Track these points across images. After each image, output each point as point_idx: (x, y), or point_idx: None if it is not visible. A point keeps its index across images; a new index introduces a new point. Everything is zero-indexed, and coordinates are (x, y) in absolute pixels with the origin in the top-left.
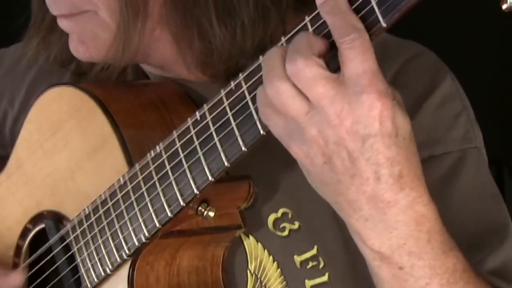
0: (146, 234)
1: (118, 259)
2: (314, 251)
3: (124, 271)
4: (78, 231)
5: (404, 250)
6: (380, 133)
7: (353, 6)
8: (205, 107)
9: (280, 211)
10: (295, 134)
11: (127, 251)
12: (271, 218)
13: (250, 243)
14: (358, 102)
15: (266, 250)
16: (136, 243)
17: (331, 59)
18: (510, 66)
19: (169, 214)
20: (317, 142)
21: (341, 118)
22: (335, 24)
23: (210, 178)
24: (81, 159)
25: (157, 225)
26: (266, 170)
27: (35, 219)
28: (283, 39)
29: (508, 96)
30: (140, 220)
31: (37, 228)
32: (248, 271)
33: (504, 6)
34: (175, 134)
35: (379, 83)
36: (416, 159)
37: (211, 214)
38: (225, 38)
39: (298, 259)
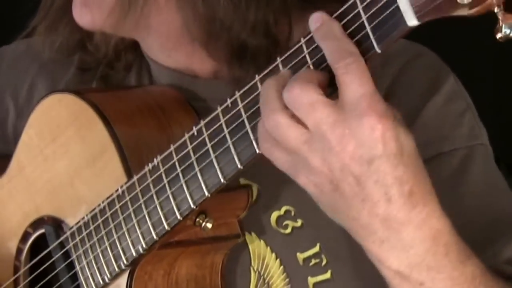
0: (144, 246)
1: (117, 269)
2: (316, 249)
3: (123, 280)
4: (78, 239)
5: (423, 267)
6: (385, 154)
7: (348, 31)
8: (202, 123)
9: (283, 209)
10: (300, 165)
11: (125, 261)
12: (274, 216)
13: (253, 241)
14: (359, 125)
15: (269, 248)
16: (134, 254)
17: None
18: (506, 65)
19: (166, 227)
20: (322, 171)
21: (343, 144)
22: (330, 50)
23: (206, 194)
24: (80, 167)
25: (155, 237)
26: (269, 168)
27: (36, 224)
28: (279, 60)
29: (503, 95)
30: (138, 232)
31: (38, 233)
32: (252, 269)
33: (499, 36)
34: (172, 147)
35: (377, 104)
36: (424, 174)
37: (209, 225)
38: (228, 4)
39: (301, 256)
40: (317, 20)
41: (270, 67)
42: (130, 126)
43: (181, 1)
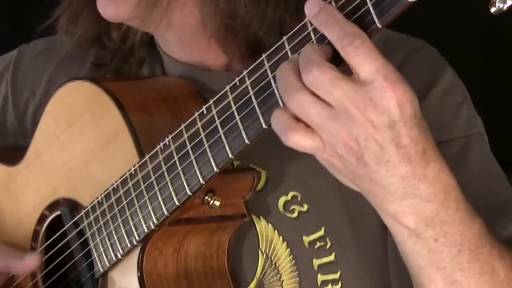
0: (155, 222)
1: (129, 245)
2: (321, 232)
3: (134, 256)
4: (92, 218)
5: (437, 220)
6: (403, 117)
7: (349, 8)
8: (211, 101)
9: (290, 194)
10: (326, 142)
11: (137, 237)
12: (282, 201)
13: (261, 224)
14: (378, 96)
15: (276, 231)
16: (146, 230)
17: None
18: (497, 63)
19: (177, 203)
20: (347, 143)
21: (366, 114)
22: (335, 36)
23: (215, 169)
24: (95, 150)
25: (165, 213)
26: (277, 155)
27: (52, 206)
28: (285, 37)
29: (494, 93)
30: (149, 208)
31: (54, 215)
32: (260, 251)
33: (493, 10)
34: (182, 126)
35: (392, 74)
36: (430, 134)
37: (217, 203)
38: (249, 2)
39: (306, 239)
40: (313, 6)
41: (276, 45)
42: (143, 111)
43: None
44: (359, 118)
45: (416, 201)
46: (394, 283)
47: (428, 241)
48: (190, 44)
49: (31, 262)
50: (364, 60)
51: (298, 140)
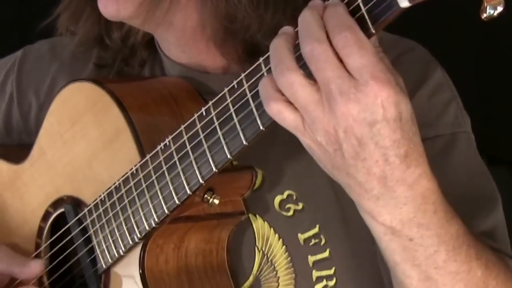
0: (156, 220)
1: (130, 242)
2: (316, 230)
3: (136, 253)
4: (94, 215)
5: (413, 223)
6: (385, 118)
7: None
8: (210, 103)
9: (286, 193)
10: (306, 125)
11: (138, 235)
12: (277, 199)
13: (258, 222)
14: (363, 92)
15: (272, 229)
16: (147, 228)
17: None
18: (488, 62)
19: (177, 202)
20: (328, 130)
21: (349, 107)
22: (331, 24)
23: (214, 169)
24: (98, 149)
25: (166, 211)
26: (273, 155)
27: (56, 204)
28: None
29: (486, 89)
30: (150, 206)
31: (58, 212)
32: (256, 248)
33: (484, 16)
34: (182, 127)
35: (380, 74)
36: (418, 139)
37: (216, 201)
38: (249, 5)
39: (301, 236)
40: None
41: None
42: (144, 111)
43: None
44: (341, 108)
45: (392, 203)
46: (384, 276)
47: (403, 240)
48: (188, 45)
49: (35, 269)
50: (352, 53)
51: (278, 110)
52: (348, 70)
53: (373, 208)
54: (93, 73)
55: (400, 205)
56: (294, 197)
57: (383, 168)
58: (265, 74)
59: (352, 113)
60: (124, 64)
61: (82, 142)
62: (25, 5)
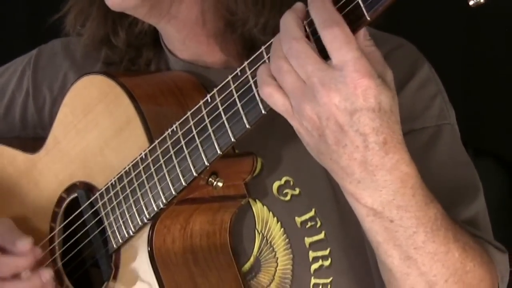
0: (164, 201)
1: (140, 223)
2: (312, 213)
3: (145, 233)
4: (106, 199)
5: (393, 205)
6: (365, 108)
7: (341, 1)
8: (214, 90)
9: (283, 179)
10: (294, 110)
11: (147, 216)
12: (276, 185)
13: (257, 206)
14: (344, 83)
15: (271, 213)
16: (155, 209)
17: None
18: (473, 57)
19: (183, 183)
20: (311, 117)
21: (330, 96)
22: (319, 20)
23: (218, 151)
24: (109, 137)
25: (173, 193)
26: (271, 144)
27: (69, 189)
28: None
29: (471, 84)
30: (159, 188)
31: (71, 197)
32: (256, 231)
33: (471, 3)
34: (188, 113)
35: (362, 67)
36: (398, 127)
37: (220, 184)
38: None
39: (298, 220)
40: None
41: (274, 38)
42: (152, 101)
43: None
44: (323, 97)
45: (372, 186)
46: (370, 257)
47: (384, 221)
48: (188, 37)
49: (22, 248)
50: (340, 47)
51: (269, 94)
52: (333, 63)
53: (355, 191)
54: (102, 70)
55: (380, 188)
56: (291, 183)
57: (364, 154)
58: (267, 61)
59: (334, 102)
60: (130, 63)
61: (94, 130)
62: (35, 6)
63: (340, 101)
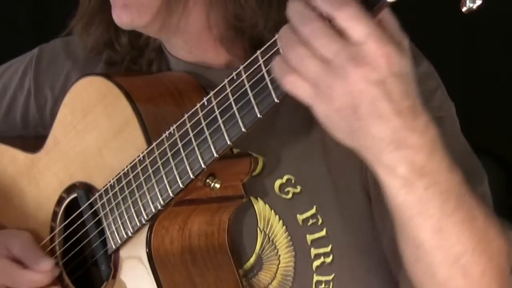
0: (162, 202)
1: (138, 224)
2: (313, 211)
3: (143, 234)
4: (105, 199)
5: (427, 169)
6: (392, 74)
7: None
8: (211, 93)
9: (285, 177)
10: (322, 93)
11: (145, 217)
12: (277, 183)
13: (259, 205)
14: (370, 55)
15: (273, 211)
16: (153, 210)
17: None
18: (469, 57)
19: (181, 186)
20: (343, 96)
21: (360, 71)
22: (328, 2)
23: (215, 154)
24: (108, 138)
25: (171, 194)
26: (272, 143)
27: (69, 189)
28: (277, 35)
29: (467, 82)
30: (156, 190)
31: (71, 197)
32: (258, 229)
33: (464, 9)
34: (185, 116)
35: (382, 37)
36: (416, 90)
37: (217, 185)
38: (255, 3)
39: (300, 217)
40: None
41: (270, 42)
42: (150, 103)
43: (212, 2)
44: (352, 72)
45: (408, 152)
46: (375, 257)
47: (418, 191)
48: (195, 46)
49: (44, 268)
50: (357, 23)
51: (293, 82)
52: (354, 39)
53: (392, 161)
54: (104, 70)
55: (415, 152)
56: (293, 181)
57: (398, 121)
58: (262, 65)
59: (364, 75)
60: (132, 63)
61: (93, 131)
62: (39, 3)
63: (369, 73)
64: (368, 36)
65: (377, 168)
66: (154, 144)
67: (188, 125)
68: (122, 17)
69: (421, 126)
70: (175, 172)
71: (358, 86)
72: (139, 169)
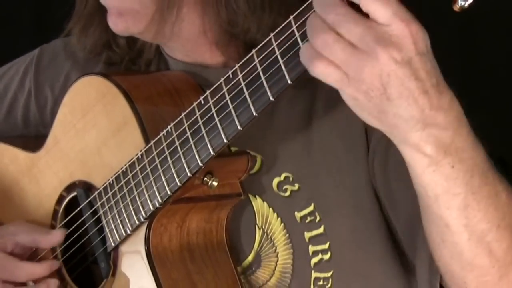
0: (160, 200)
1: (137, 221)
2: (311, 208)
3: (142, 231)
4: (104, 198)
5: (453, 147)
6: (418, 53)
7: None
8: (207, 92)
9: (283, 175)
10: (351, 76)
11: (144, 215)
12: (275, 181)
13: (257, 202)
14: (396, 35)
15: (271, 208)
16: (151, 208)
17: None
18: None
19: (178, 184)
20: (372, 79)
21: (388, 52)
22: None
23: (212, 152)
24: (107, 137)
25: (169, 192)
26: (270, 141)
27: (69, 188)
28: (272, 34)
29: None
30: (154, 188)
31: (71, 196)
32: (256, 226)
33: (456, 7)
34: (182, 115)
35: (406, 16)
36: (437, 65)
37: (215, 183)
38: (247, 9)
39: (298, 215)
40: None
41: (264, 41)
42: (148, 102)
43: (205, 9)
44: (381, 55)
45: (435, 130)
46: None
47: (445, 168)
48: (192, 50)
49: (56, 236)
50: (381, 6)
51: (323, 68)
52: (380, 21)
53: (419, 140)
54: (103, 70)
55: (441, 130)
56: (291, 179)
57: (425, 99)
58: (257, 64)
59: (392, 56)
60: (131, 63)
61: (93, 130)
62: (41, 4)
63: (398, 53)
64: (393, 17)
65: (403, 148)
66: (152, 142)
67: (186, 124)
68: (118, 25)
69: (446, 104)
70: (173, 170)
71: (387, 67)
72: (137, 167)
